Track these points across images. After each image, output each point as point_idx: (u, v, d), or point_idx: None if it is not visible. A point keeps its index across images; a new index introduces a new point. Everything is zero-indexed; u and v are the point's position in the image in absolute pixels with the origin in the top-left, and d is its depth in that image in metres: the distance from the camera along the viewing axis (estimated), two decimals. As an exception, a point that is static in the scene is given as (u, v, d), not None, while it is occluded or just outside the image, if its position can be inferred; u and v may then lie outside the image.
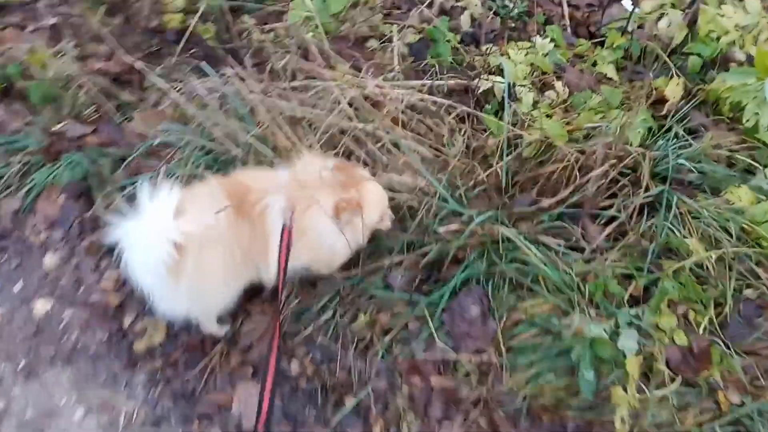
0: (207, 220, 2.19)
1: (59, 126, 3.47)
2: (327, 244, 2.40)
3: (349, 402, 2.49)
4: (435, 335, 2.58)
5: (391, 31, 3.66)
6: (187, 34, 3.50)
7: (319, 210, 2.30)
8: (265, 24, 3.67)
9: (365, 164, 2.76)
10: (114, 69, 3.65)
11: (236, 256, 2.30)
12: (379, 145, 2.74)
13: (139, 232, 2.12)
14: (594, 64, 3.58)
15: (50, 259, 3.09)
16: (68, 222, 3.20)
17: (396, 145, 2.74)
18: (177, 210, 2.14)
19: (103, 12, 3.87)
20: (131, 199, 3.16)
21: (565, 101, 3.29)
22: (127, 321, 2.85)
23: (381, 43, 3.62)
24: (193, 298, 2.34)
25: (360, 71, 3.07)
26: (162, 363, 2.69)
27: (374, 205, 2.44)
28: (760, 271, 2.62)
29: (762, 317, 2.56)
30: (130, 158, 3.23)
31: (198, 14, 3.50)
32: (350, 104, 2.77)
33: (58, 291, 2.97)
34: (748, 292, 2.61)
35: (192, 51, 3.75)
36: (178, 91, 3.30)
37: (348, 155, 2.82)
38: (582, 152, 2.76)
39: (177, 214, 2.13)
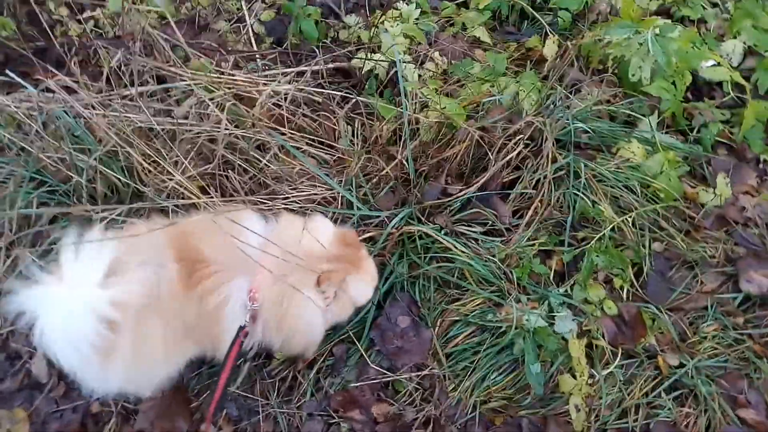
0: (149, 281, 1.73)
1: None
2: (311, 334, 2.01)
3: (283, 457, 2.14)
4: (366, 357, 2.29)
5: (240, 9, 3.17)
6: None
7: (307, 298, 1.87)
8: (80, 13, 2.97)
9: (250, 179, 2.33)
10: None
11: (178, 332, 1.84)
12: (266, 152, 2.31)
13: (57, 303, 1.61)
14: (464, 27, 3.39)
15: None
16: None
17: (284, 149, 2.34)
18: (110, 268, 1.65)
19: None
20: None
21: (444, 72, 3.08)
22: (-31, 420, 2.21)
23: (231, 24, 3.11)
24: (130, 376, 1.87)
25: (216, 63, 2.58)
26: (33, 463, 2.13)
27: (363, 284, 2.04)
28: (663, 222, 2.66)
29: (673, 270, 2.60)
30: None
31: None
32: (218, 105, 2.29)
33: None
34: (655, 246, 2.64)
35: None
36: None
37: (227, 167, 2.37)
38: (482, 129, 2.56)
39: (109, 273, 1.65)
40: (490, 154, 2.46)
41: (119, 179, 2.35)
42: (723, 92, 3.20)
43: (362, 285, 2.02)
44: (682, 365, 2.29)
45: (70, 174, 2.40)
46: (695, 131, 3.06)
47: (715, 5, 3.62)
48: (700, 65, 3.21)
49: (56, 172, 2.44)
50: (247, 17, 3.04)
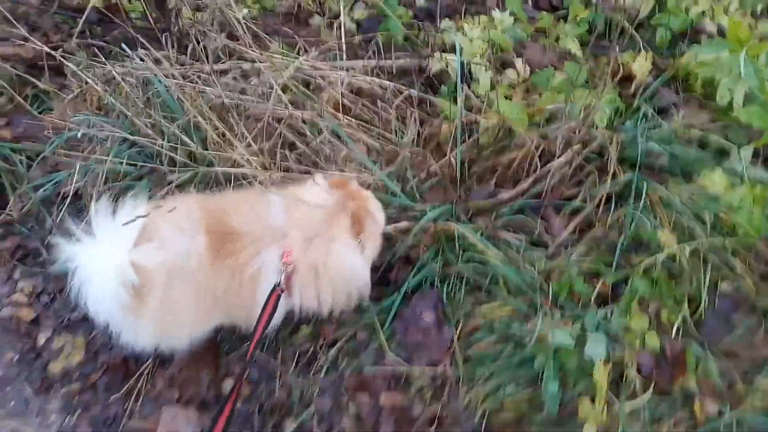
0: (180, 248, 1.88)
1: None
2: (359, 275, 2.12)
3: (290, 425, 2.22)
4: (385, 346, 2.32)
5: (338, 5, 3.34)
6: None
7: (343, 243, 2.01)
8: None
9: (299, 159, 2.47)
10: (29, 54, 3.27)
11: (207, 300, 1.98)
12: (321, 135, 2.44)
13: (90, 261, 1.80)
14: (557, 39, 3.31)
15: (-48, 270, 2.74)
16: (-26, 226, 2.86)
17: (337, 135, 2.45)
18: (143, 233, 1.82)
19: (15, -10, 3.48)
20: (46, 201, 2.88)
21: (526, 80, 3.03)
22: (41, 338, 2.55)
23: (327, 20, 3.30)
24: (158, 334, 2.05)
25: (300, 51, 2.75)
26: (80, 386, 2.40)
27: (379, 209, 2.18)
28: (736, 261, 2.42)
29: (739, 312, 2.35)
30: (43, 153, 2.89)
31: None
32: (285, 88, 2.46)
33: (-39, 306, 2.64)
34: (723, 286, 2.40)
35: (118, 32, 3.38)
36: (99, 76, 2.96)
37: (286, 147, 2.53)
38: (544, 137, 2.50)
39: (142, 238, 1.82)
40: (539, 162, 2.39)
41: (196, 148, 2.59)
42: None
43: (378, 208, 2.15)
44: (721, 414, 2.07)
45: (157, 138, 2.69)
46: (802, 170, 2.74)
47: None
48: (821, 98, 2.88)
49: (146, 135, 2.73)
50: (342, 14, 3.19)
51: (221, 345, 2.43)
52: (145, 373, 2.37)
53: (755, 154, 2.76)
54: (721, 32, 3.06)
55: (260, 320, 1.94)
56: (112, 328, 2.03)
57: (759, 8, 3.38)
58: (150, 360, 2.39)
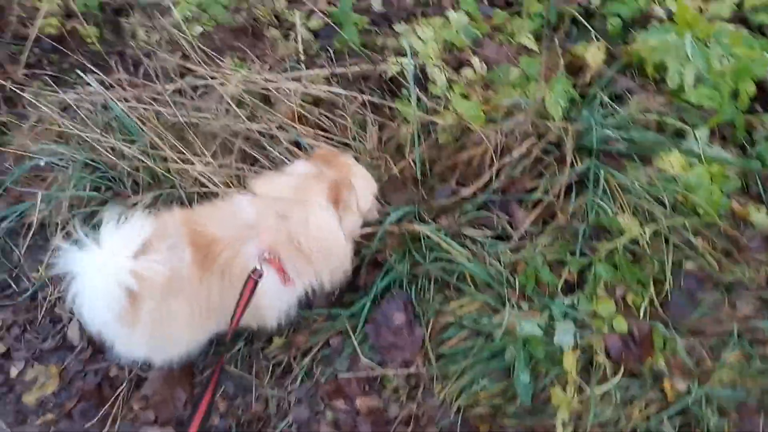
0: (173, 262, 1.88)
1: None
2: (335, 240, 2.12)
3: (268, 437, 2.23)
4: (358, 350, 2.33)
5: (293, 17, 3.36)
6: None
7: (318, 205, 2.02)
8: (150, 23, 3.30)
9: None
10: (-16, 86, 3.24)
11: (202, 312, 1.99)
12: (279, 145, 2.45)
13: (89, 266, 1.80)
14: (513, 35, 3.35)
15: None
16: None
17: (298, 144, 2.46)
18: (143, 246, 1.83)
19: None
20: (12, 233, 2.86)
21: (484, 78, 3.06)
22: (14, 371, 2.53)
23: (283, 31, 3.31)
24: (152, 346, 2.06)
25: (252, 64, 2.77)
26: (56, 415, 2.39)
27: (365, 187, 2.20)
28: (698, 240, 2.46)
29: (703, 290, 2.39)
30: (5, 185, 2.88)
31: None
32: (240, 103, 2.47)
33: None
34: (687, 265, 2.44)
35: (75, 58, 3.37)
36: (56, 104, 2.95)
37: (246, 160, 2.53)
38: (501, 133, 2.52)
39: (142, 250, 1.83)
40: (497, 157, 2.41)
41: (155, 164, 2.59)
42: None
43: (363, 177, 2.20)
44: (690, 391, 2.10)
45: (118, 162, 2.69)
46: (756, 146, 2.79)
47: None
48: (771, 75, 2.95)
49: (107, 160, 2.73)
50: (297, 24, 3.20)
51: (195, 364, 2.42)
52: (120, 397, 2.37)
53: (712, 134, 2.82)
54: (672, 17, 3.10)
55: (237, 306, 1.96)
56: (105, 338, 2.03)
57: (709, -10, 3.45)
58: (125, 384, 2.39)
